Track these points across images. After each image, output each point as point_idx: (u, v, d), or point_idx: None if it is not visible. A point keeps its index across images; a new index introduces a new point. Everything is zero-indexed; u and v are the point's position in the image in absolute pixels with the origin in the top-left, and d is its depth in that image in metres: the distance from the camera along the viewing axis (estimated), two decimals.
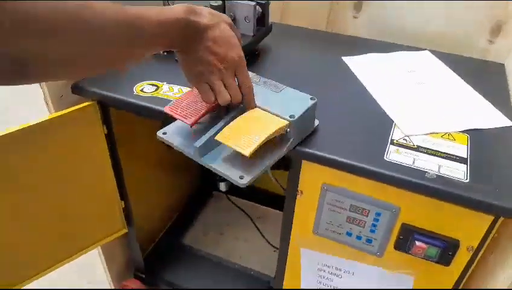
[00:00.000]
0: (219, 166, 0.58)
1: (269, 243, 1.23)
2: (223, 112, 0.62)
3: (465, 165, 0.60)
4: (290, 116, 0.57)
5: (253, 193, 1.35)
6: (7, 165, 0.70)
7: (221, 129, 0.58)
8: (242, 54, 0.57)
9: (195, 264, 1.19)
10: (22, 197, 0.74)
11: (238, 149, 0.54)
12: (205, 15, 0.53)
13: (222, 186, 1.23)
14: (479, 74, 0.87)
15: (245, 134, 0.55)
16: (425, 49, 0.92)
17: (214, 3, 0.79)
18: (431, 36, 0.94)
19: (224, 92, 0.56)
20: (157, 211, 1.19)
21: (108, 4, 0.43)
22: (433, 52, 0.91)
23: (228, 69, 0.55)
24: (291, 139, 0.59)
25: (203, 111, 0.59)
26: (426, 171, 0.58)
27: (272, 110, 0.59)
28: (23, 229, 0.78)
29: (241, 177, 0.55)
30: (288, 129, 0.58)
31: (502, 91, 0.80)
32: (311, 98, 0.61)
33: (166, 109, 0.61)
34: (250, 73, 0.65)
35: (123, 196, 0.92)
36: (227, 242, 1.30)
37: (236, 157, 0.58)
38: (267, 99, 0.61)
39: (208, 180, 1.34)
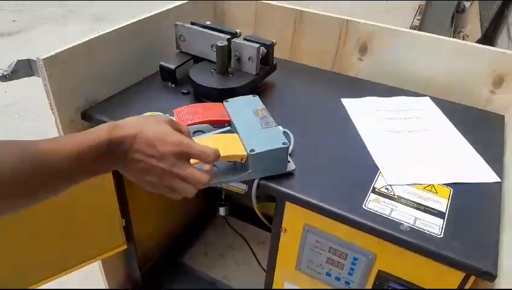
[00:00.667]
0: None
1: (265, 270, 1.25)
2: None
3: (442, 220, 0.61)
4: (251, 150, 0.63)
5: (257, 218, 1.37)
6: None
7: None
8: (179, 138, 0.52)
9: (191, 284, 1.22)
10: (30, 209, 0.80)
11: None
12: (127, 125, 0.51)
13: (221, 211, 1.27)
14: (477, 124, 0.87)
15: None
16: (426, 96, 0.94)
17: (220, 44, 0.84)
18: (434, 82, 0.96)
19: (186, 187, 0.53)
20: (159, 230, 1.23)
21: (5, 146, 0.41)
22: (433, 98, 0.93)
23: (176, 163, 0.51)
24: (249, 171, 0.64)
25: (198, 120, 0.71)
26: (401, 223, 0.60)
27: (243, 140, 0.65)
28: (28, 239, 0.83)
29: None
30: (243, 160, 0.64)
31: (497, 144, 0.81)
32: (283, 143, 0.65)
33: (175, 111, 0.75)
34: (260, 104, 0.75)
35: (124, 213, 0.97)
36: (227, 265, 1.33)
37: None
38: (251, 130, 0.67)
39: (212, 201, 1.38)
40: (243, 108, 0.73)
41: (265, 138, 0.66)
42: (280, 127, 0.70)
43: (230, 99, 0.76)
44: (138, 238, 1.04)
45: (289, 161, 0.68)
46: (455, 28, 3.13)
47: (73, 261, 0.93)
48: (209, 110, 0.74)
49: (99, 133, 0.48)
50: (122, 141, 0.49)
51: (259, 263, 1.31)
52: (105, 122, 0.78)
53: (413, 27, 2.99)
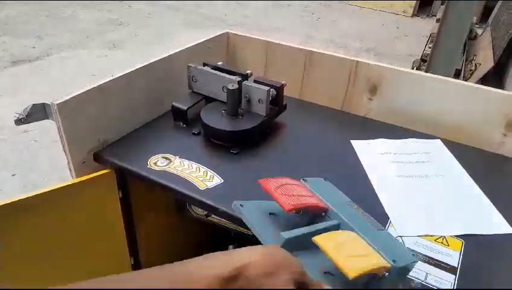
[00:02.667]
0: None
1: None
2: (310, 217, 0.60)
3: (454, 276, 0.60)
4: (394, 261, 0.51)
5: None
6: (35, 222, 0.77)
7: (318, 232, 0.52)
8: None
9: None
10: (41, 248, 0.81)
11: (342, 267, 0.46)
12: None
13: (231, 249, 1.26)
14: (489, 169, 0.86)
15: (347, 253, 0.49)
16: (438, 138, 0.93)
17: (230, 87, 0.85)
18: (444, 124, 0.95)
19: None
20: None
21: None
22: (444, 141, 0.92)
23: None
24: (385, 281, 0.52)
25: (306, 203, 0.57)
26: (412, 279, 0.59)
27: (374, 245, 0.53)
28: (39, 278, 0.84)
29: None
30: (386, 273, 0.51)
31: (510, 192, 0.79)
32: (413, 254, 0.60)
33: (263, 183, 0.58)
34: (345, 196, 0.64)
35: (133, 252, 0.97)
36: None
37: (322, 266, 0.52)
38: (369, 232, 0.56)
39: (221, 241, 1.37)
40: (332, 195, 0.63)
41: (389, 244, 0.55)
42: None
43: (308, 179, 0.65)
44: None
45: None
46: (467, 55, 3.13)
47: None
48: (299, 190, 0.60)
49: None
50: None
51: None
52: (115, 163, 0.81)
53: (425, 55, 2.99)
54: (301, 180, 0.65)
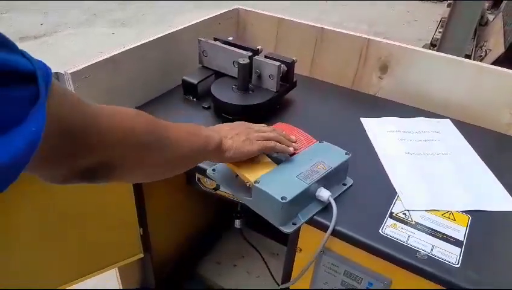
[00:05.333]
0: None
1: (277, 282, 1.25)
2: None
3: (460, 249, 0.61)
4: (255, 181, 0.65)
5: (270, 229, 1.38)
6: (46, 194, 0.79)
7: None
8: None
9: None
10: (52, 218, 0.83)
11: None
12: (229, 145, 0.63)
13: (237, 224, 1.28)
14: (498, 149, 0.86)
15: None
16: (447, 118, 0.93)
17: (241, 61, 0.85)
18: (454, 104, 0.95)
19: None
20: (175, 239, 1.25)
21: (185, 133, 0.56)
22: (454, 121, 0.92)
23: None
24: (249, 198, 0.69)
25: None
26: (418, 251, 0.60)
27: (270, 173, 0.67)
28: (48, 246, 0.86)
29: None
30: (250, 185, 0.66)
31: None
32: (281, 197, 0.63)
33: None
34: (336, 162, 0.70)
35: (142, 223, 0.99)
36: (238, 275, 1.34)
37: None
38: (289, 171, 0.67)
39: (228, 213, 1.39)
40: (319, 154, 0.71)
41: (283, 185, 0.64)
42: (310, 186, 0.65)
43: (326, 143, 0.75)
44: (155, 247, 1.06)
45: (294, 223, 0.67)
46: (478, 41, 3.09)
47: (91, 268, 0.95)
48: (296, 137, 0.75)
49: (214, 140, 0.61)
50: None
51: (271, 274, 1.31)
52: None
53: (434, 40, 2.96)
54: (319, 141, 0.75)
